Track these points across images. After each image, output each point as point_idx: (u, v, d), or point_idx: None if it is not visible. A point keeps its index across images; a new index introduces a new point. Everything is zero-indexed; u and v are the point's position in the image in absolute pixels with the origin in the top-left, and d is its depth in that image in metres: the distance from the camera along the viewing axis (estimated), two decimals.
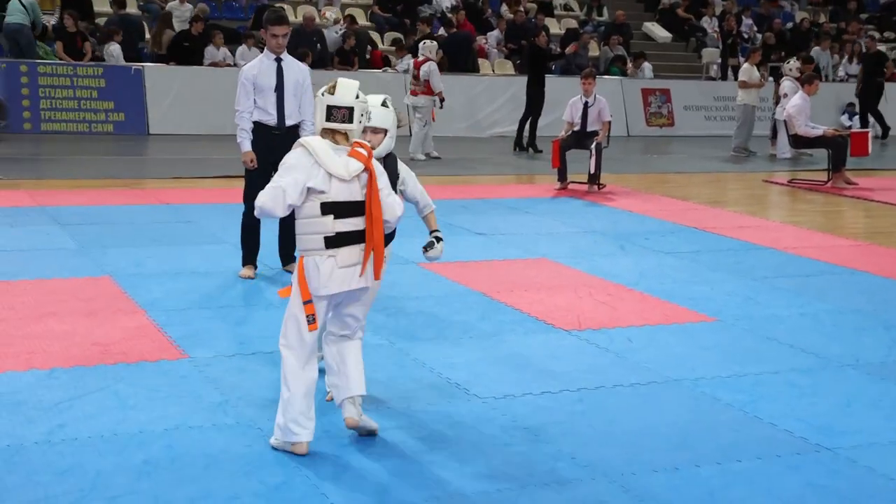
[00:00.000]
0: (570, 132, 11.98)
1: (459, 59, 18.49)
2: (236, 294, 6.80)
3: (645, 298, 7.04)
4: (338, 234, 4.19)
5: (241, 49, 16.86)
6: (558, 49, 18.05)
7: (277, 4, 19.07)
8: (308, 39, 17.38)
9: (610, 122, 12.20)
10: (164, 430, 4.39)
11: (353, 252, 4.23)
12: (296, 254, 4.42)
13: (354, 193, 4.20)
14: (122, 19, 16.34)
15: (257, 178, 7.06)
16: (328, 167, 4.14)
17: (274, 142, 6.95)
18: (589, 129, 11.92)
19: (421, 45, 14.84)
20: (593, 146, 11.65)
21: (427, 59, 14.22)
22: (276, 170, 6.14)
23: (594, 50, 20.78)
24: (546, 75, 16.00)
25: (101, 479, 3.89)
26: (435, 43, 14.82)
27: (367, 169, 4.20)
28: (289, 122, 7.05)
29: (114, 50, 15.60)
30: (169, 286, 6.75)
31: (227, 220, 7.98)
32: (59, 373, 5.02)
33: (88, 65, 15.58)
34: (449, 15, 20.09)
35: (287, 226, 7.31)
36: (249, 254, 7.24)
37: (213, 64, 16.12)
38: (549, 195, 11.57)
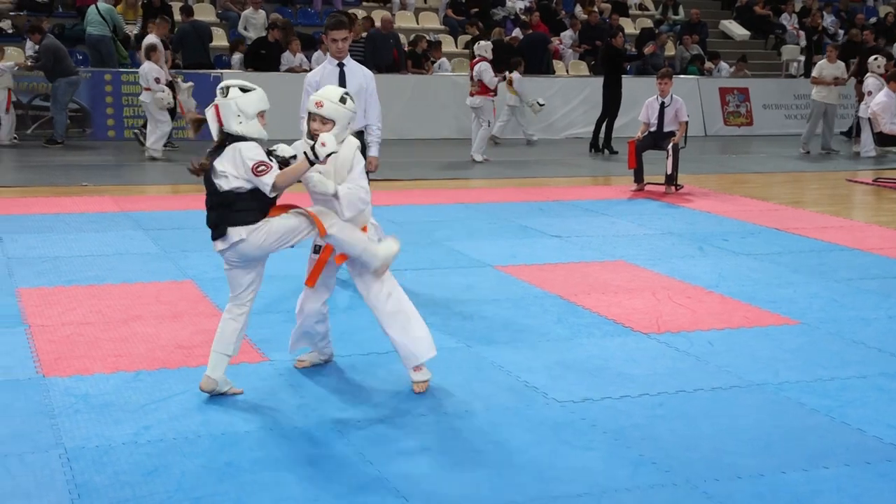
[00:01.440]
0: (646, 133, 11.87)
1: (534, 60, 18.43)
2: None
3: (725, 301, 6.94)
4: None
5: (317, 54, 17.02)
6: (633, 49, 17.88)
7: (352, 10, 19.29)
8: (385, 43, 17.51)
9: (687, 123, 12.04)
10: (246, 431, 4.45)
11: None
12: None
13: None
14: (192, 27, 16.61)
15: None
16: None
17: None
18: (666, 129, 11.79)
19: (476, 45, 14.85)
20: (670, 147, 11.52)
21: (481, 59, 14.22)
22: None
23: (670, 49, 20.57)
24: (622, 76, 15.88)
25: (186, 479, 3.96)
26: (489, 43, 14.79)
27: None
28: (354, 126, 7.05)
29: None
30: (261, 291, 6.80)
31: None
32: (144, 375, 5.12)
33: (169, 72, 15.87)
34: (523, 17, 20.05)
35: None
36: None
37: (290, 70, 16.31)
38: (626, 197, 11.47)
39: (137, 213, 9.51)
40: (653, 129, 11.85)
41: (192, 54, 16.21)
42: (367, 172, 6.94)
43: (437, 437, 4.47)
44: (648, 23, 21.50)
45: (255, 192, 4.69)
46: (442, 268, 7.74)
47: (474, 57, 14.93)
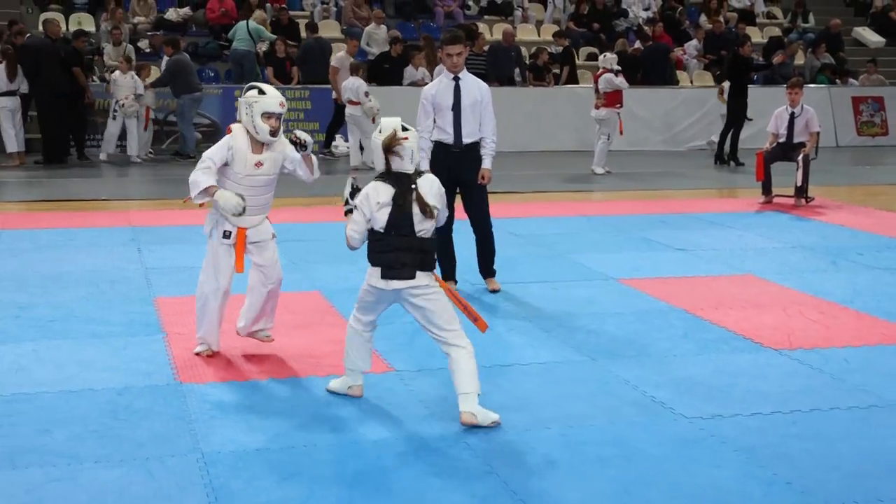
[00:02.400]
0: (775, 144, 11.60)
1: (656, 71, 18.22)
2: None
3: (861, 317, 6.71)
4: None
5: (439, 68, 17.19)
6: (759, 59, 17.49)
7: (473, 23, 19.42)
8: (506, 56, 17.57)
9: (818, 133, 11.72)
10: (374, 440, 4.51)
11: None
12: None
13: None
14: (316, 42, 16.97)
15: None
16: None
17: (453, 160, 7.08)
18: (795, 140, 11.50)
19: (601, 57, 14.73)
20: (800, 158, 11.23)
21: (605, 71, 14.10)
22: (457, 187, 6.52)
23: (800, 58, 20.04)
24: (749, 86, 15.56)
25: (317, 486, 4.04)
26: (615, 55, 14.63)
27: None
28: (466, 140, 7.10)
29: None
30: None
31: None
32: (274, 383, 5.26)
33: (296, 88, 16.28)
34: (645, 27, 19.84)
35: (486, 240, 7.41)
36: (447, 268, 7.38)
37: (413, 84, 16.51)
38: (753, 209, 11.22)
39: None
40: (782, 139, 11.57)
41: (314, 70, 16.56)
42: (485, 187, 7.10)
43: (562, 451, 4.45)
44: (777, 31, 21.00)
45: None
46: (565, 281, 7.71)
47: (597, 69, 14.86)
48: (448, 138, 7.08)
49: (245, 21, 16.68)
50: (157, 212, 10.43)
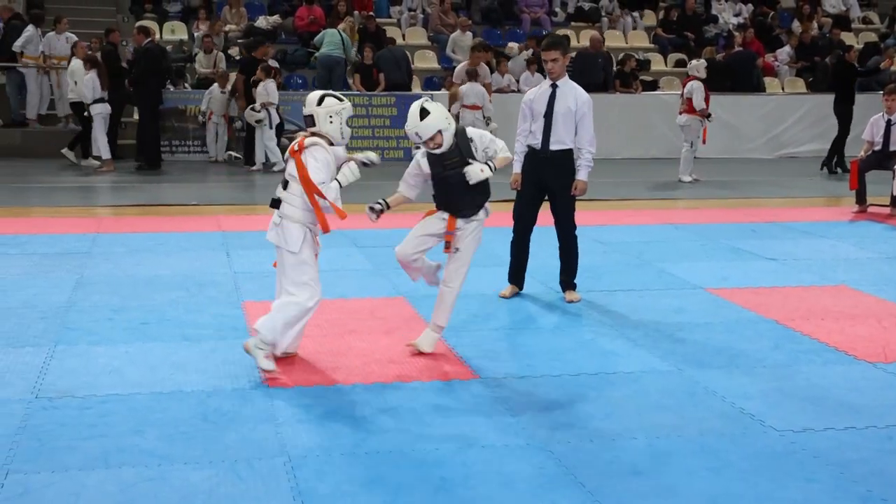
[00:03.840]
0: (870, 152, 11.30)
1: (743, 78, 17.92)
2: (523, 316, 6.89)
3: None
4: None
5: (525, 75, 17.19)
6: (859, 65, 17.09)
7: (560, 30, 19.35)
8: (593, 62, 17.46)
9: None
10: (459, 447, 4.51)
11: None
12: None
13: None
14: (390, 52, 17.08)
15: (521, 200, 7.27)
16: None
17: (540, 165, 7.10)
18: (892, 148, 11.21)
19: (689, 64, 14.50)
20: None
21: (693, 78, 13.86)
22: (541, 192, 6.59)
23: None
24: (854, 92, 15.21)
25: (402, 491, 4.05)
26: (703, 61, 14.34)
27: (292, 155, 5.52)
28: (554, 147, 7.06)
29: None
30: (459, 306, 6.93)
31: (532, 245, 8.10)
32: (359, 388, 5.29)
33: (382, 94, 16.42)
34: (735, 33, 19.53)
35: (568, 250, 7.35)
36: (514, 272, 7.38)
37: (499, 90, 16.51)
38: (847, 218, 10.95)
39: (353, 230, 9.84)
40: (877, 147, 11.28)
41: (390, 77, 16.72)
42: (573, 196, 7.14)
43: (649, 461, 4.39)
44: (873, 37, 20.48)
45: None
46: (652, 289, 7.61)
47: (687, 75, 14.65)
48: (536, 143, 7.10)
49: (336, 28, 16.86)
50: (246, 217, 10.60)
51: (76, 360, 5.70)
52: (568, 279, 7.39)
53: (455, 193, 5.87)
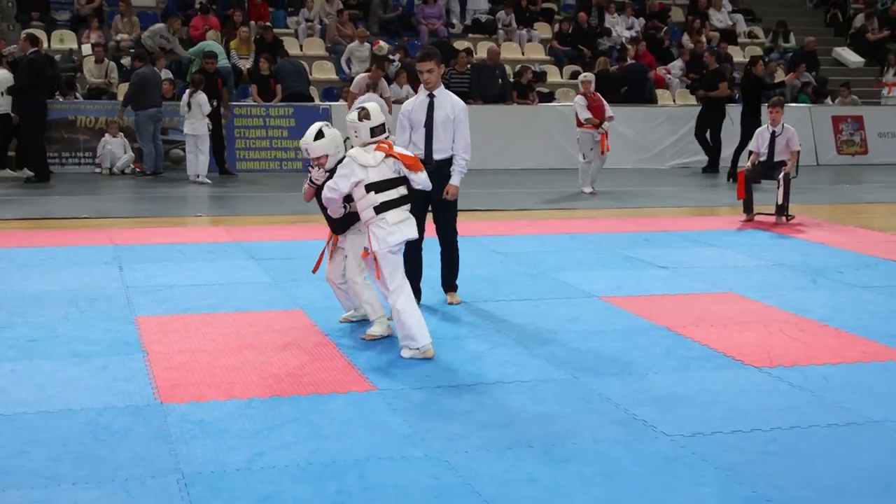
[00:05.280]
0: (756, 162, 11.67)
1: (635, 90, 18.34)
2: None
3: (840, 335, 6.75)
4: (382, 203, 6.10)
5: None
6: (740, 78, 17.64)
7: (457, 41, 19.50)
8: (490, 73, 17.64)
9: (799, 152, 11.80)
10: (356, 460, 4.50)
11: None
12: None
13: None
14: (289, 62, 17.02)
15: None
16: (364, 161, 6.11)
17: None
18: (777, 158, 11.58)
19: (580, 78, 14.75)
20: (781, 176, 11.30)
21: (578, 93, 14.12)
22: (426, 202, 7.12)
23: (780, 77, 20.17)
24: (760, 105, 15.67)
25: None
26: (588, 76, 14.52)
27: (390, 155, 6.17)
28: (437, 156, 7.18)
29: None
30: (363, 322, 6.92)
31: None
32: (256, 402, 5.23)
33: (279, 105, 16.30)
34: (628, 46, 19.96)
35: (450, 255, 7.43)
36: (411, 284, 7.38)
37: (398, 101, 16.53)
38: (735, 227, 11.27)
39: (249, 242, 9.75)
40: (763, 158, 11.65)
41: (291, 87, 16.65)
42: (455, 203, 7.31)
43: (545, 468, 4.45)
44: (758, 51, 21.15)
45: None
46: (548, 298, 7.72)
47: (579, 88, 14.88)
48: (419, 154, 7.12)
49: (214, 40, 16.66)
50: (140, 230, 10.39)
51: None
52: (449, 282, 7.58)
53: (323, 210, 6.54)
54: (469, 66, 17.51)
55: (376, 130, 6.21)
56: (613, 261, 9.23)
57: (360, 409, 5.17)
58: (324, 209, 6.48)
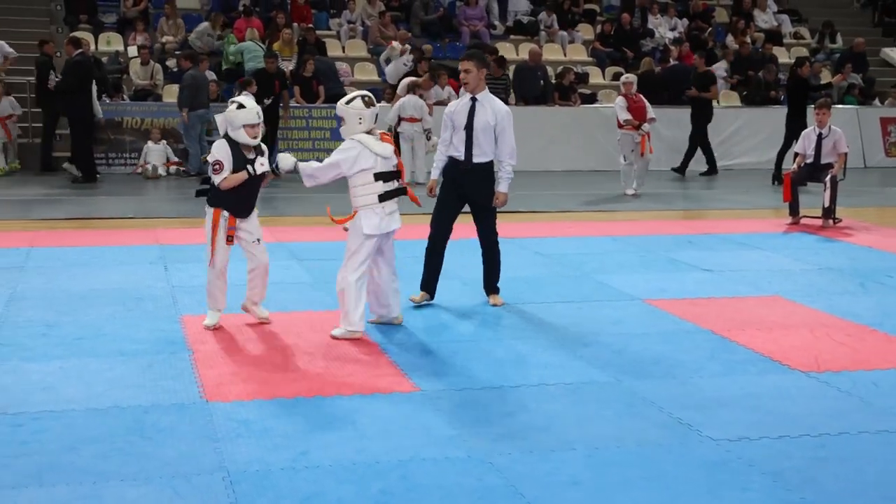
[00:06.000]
0: (802, 165, 11.54)
1: (678, 91, 18.19)
2: (464, 330, 6.90)
3: (891, 340, 6.65)
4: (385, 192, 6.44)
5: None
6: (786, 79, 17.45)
7: (499, 43, 19.48)
8: (532, 75, 17.60)
9: (846, 154, 11.65)
10: (399, 461, 4.51)
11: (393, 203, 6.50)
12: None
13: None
14: (323, 63, 17.11)
15: (439, 208, 7.34)
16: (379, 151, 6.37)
17: (462, 176, 7.22)
18: (823, 161, 11.44)
19: (622, 79, 14.66)
20: (828, 179, 11.16)
21: (618, 94, 14.04)
22: (461, 203, 7.25)
23: (826, 78, 19.94)
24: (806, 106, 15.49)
25: None
26: (629, 77, 14.44)
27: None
28: (477, 159, 7.17)
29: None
30: (404, 321, 6.93)
31: (462, 257, 8.12)
32: (300, 402, 5.26)
33: (322, 106, 16.37)
34: (671, 47, 19.83)
35: (491, 257, 7.43)
36: (427, 280, 7.42)
37: (439, 103, 16.54)
38: (780, 230, 11.15)
39: (291, 243, 9.81)
40: (809, 160, 11.51)
41: (331, 88, 16.77)
42: (494, 207, 7.28)
43: (588, 471, 4.43)
44: (804, 52, 20.92)
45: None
46: (591, 301, 7.68)
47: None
48: (459, 155, 7.20)
49: (253, 41, 16.80)
50: (184, 230, 10.49)
51: (8, 376, 5.59)
52: (491, 284, 7.55)
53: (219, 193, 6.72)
54: (504, 73, 17.50)
55: (378, 117, 6.51)
56: (657, 263, 9.17)
57: (403, 410, 5.17)
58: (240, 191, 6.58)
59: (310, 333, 6.60)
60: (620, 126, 13.81)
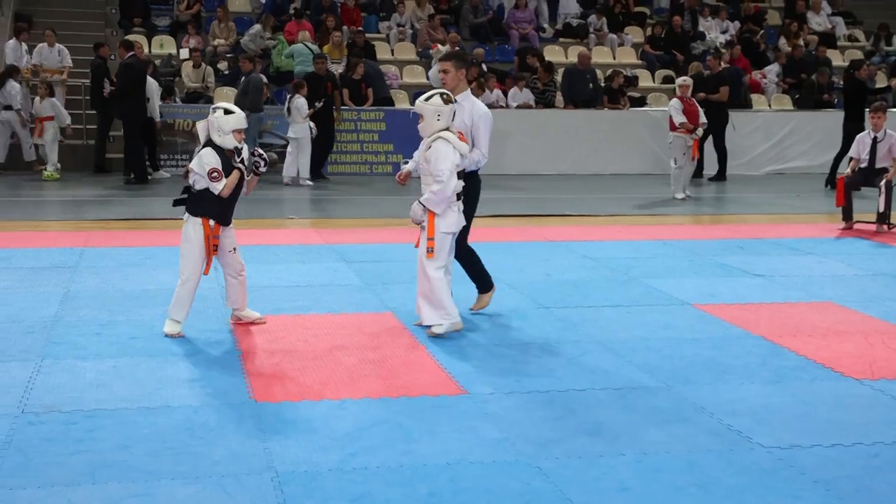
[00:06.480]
0: (857, 169, 11.37)
1: (730, 94, 18.00)
2: (510, 332, 6.89)
3: None
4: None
5: (514, 91, 17.25)
6: (841, 82, 17.22)
7: (548, 46, 19.45)
8: (581, 78, 17.55)
9: None
10: (447, 463, 4.51)
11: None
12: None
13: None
14: (369, 66, 17.20)
15: None
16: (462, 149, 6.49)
17: None
18: (878, 165, 11.27)
19: (677, 81, 14.55)
20: (883, 184, 10.99)
21: (673, 97, 13.91)
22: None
23: (881, 81, 19.64)
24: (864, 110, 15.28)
25: None
26: (686, 80, 14.33)
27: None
28: None
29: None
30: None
31: (508, 259, 8.12)
32: (348, 403, 5.28)
33: (371, 109, 16.45)
34: (723, 50, 19.65)
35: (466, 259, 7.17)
36: (475, 279, 7.30)
37: (488, 106, 16.54)
38: (833, 235, 11.00)
39: (340, 245, 9.86)
40: (864, 164, 11.35)
41: (380, 91, 16.88)
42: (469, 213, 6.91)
43: (637, 477, 4.39)
44: (858, 55, 20.63)
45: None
46: (640, 305, 7.63)
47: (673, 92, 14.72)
48: None
49: (303, 43, 16.91)
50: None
51: (63, 374, 5.68)
52: (476, 284, 7.34)
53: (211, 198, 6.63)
54: (550, 79, 17.48)
55: (454, 115, 6.59)
56: (706, 268, 9.09)
57: (451, 413, 5.17)
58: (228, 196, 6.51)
59: (358, 335, 6.63)
60: (674, 128, 13.70)
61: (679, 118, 13.58)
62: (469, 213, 6.97)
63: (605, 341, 6.61)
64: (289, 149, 14.94)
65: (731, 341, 6.66)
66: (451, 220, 6.54)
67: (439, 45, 17.91)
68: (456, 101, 6.83)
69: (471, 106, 6.98)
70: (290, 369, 5.86)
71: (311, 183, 14.92)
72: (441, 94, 6.53)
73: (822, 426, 5.07)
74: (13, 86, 15.18)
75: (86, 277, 8.21)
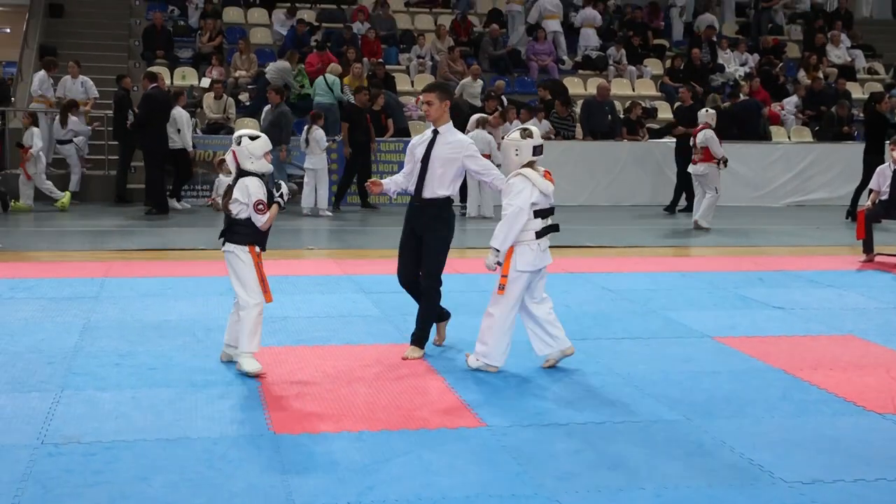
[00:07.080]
0: (877, 202, 11.32)
1: (748, 127, 18.03)
2: (529, 364, 6.86)
3: None
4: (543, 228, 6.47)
5: (533, 121, 17.29)
6: (861, 114, 17.20)
7: (567, 78, 19.52)
8: (600, 110, 17.60)
9: None
10: (466, 496, 4.48)
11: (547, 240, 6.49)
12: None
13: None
14: (390, 97, 17.32)
15: (400, 250, 6.95)
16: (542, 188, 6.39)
17: (413, 213, 6.88)
18: None
19: (700, 112, 14.56)
20: None
21: (705, 126, 13.92)
22: (415, 238, 6.85)
23: None
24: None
25: None
26: (713, 111, 14.41)
27: None
28: (427, 195, 6.75)
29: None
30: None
31: None
32: (366, 435, 5.27)
33: (391, 140, 16.52)
34: (742, 82, 19.67)
35: (424, 300, 6.95)
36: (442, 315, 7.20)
37: None
38: (854, 268, 10.94)
39: (359, 276, 9.87)
40: (884, 197, 11.29)
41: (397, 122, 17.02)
42: (441, 247, 6.82)
43: None
44: (878, 87, 20.60)
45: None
46: (660, 338, 7.60)
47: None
48: (412, 189, 6.86)
49: (322, 76, 17.07)
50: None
51: (82, 405, 5.69)
52: (414, 333, 6.95)
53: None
54: (569, 113, 17.54)
55: (537, 150, 6.42)
56: (726, 300, 9.05)
57: (470, 445, 5.15)
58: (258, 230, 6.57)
59: (377, 367, 6.63)
60: (707, 159, 13.71)
61: (719, 151, 13.63)
62: (444, 243, 6.84)
63: (625, 374, 6.58)
64: (305, 179, 15.04)
65: (751, 374, 6.61)
66: (528, 258, 6.37)
67: (467, 79, 18.10)
68: (438, 132, 6.79)
69: (453, 137, 6.84)
70: (309, 401, 5.86)
71: (330, 213, 15.01)
72: (521, 130, 6.44)
73: (845, 461, 5.02)
74: (73, 121, 15.62)
75: (106, 307, 8.25)
